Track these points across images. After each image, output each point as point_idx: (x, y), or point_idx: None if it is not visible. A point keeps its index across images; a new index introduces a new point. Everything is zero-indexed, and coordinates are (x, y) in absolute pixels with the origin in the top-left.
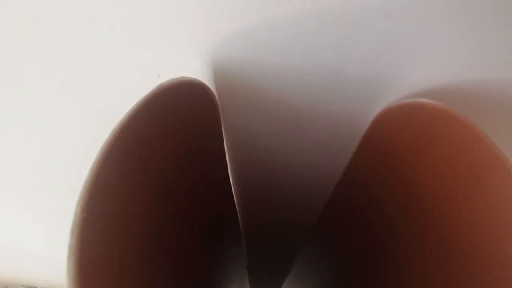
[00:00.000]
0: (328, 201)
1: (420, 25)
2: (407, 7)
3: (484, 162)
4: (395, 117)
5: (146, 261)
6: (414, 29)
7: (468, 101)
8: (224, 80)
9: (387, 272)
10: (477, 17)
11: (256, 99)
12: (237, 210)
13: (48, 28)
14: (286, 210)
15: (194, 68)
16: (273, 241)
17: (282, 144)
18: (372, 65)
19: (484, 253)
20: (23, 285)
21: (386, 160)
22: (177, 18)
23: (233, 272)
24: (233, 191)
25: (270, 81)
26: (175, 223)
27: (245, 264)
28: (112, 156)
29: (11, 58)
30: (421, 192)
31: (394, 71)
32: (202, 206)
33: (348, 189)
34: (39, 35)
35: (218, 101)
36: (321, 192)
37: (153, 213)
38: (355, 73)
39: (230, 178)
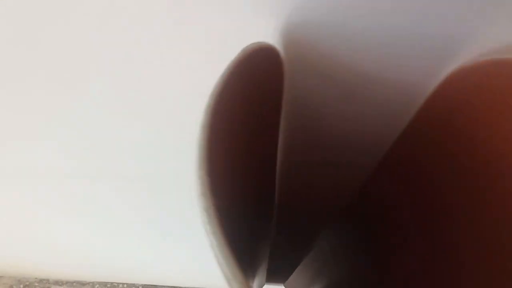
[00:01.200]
0: (375, 170)
1: None
2: None
3: None
4: (470, 75)
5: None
6: None
7: None
8: (295, 46)
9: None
10: None
11: (325, 65)
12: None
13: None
14: (324, 182)
15: (267, 32)
16: (303, 213)
17: (339, 112)
18: (442, 24)
19: None
20: (35, 278)
21: (456, 120)
22: None
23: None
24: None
25: (341, 45)
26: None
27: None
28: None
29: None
30: (500, 153)
31: (464, 30)
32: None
33: (404, 151)
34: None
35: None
36: (365, 164)
37: None
38: (423, 34)
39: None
